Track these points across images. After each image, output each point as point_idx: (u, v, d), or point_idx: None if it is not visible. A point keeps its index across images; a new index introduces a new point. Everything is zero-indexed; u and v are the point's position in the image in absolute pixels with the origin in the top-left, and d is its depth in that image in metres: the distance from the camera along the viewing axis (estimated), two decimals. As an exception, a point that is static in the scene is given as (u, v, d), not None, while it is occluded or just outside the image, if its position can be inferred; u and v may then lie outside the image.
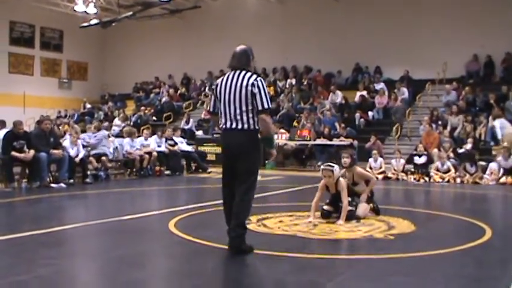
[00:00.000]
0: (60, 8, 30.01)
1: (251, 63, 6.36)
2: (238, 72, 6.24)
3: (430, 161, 16.94)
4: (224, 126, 6.24)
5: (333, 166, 8.41)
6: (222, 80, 6.34)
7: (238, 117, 6.13)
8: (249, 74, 6.21)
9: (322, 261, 6.02)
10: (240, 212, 6.10)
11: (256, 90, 6.08)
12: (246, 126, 6.12)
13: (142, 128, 22.22)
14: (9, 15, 31.23)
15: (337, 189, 8.40)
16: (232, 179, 6.22)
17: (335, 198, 8.52)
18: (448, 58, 23.20)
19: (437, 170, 16.43)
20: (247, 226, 6.40)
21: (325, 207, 8.53)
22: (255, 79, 6.14)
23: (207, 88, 28.92)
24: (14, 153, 12.89)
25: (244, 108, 6.11)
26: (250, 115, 6.12)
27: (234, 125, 6.15)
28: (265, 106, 6.11)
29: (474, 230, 7.81)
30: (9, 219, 9.46)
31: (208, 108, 6.61)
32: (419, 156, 17.02)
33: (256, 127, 6.15)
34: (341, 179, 8.49)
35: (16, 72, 32.08)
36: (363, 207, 8.71)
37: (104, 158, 15.58)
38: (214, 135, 20.97)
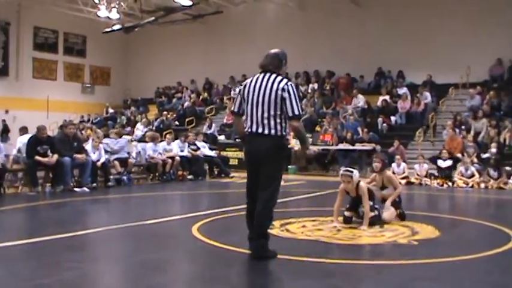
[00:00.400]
0: (83, 13, 30.24)
1: (283, 67, 6.23)
2: (268, 74, 6.09)
3: (456, 164, 16.75)
4: (250, 130, 6.08)
5: (352, 171, 8.36)
6: (251, 81, 6.17)
7: (265, 121, 5.98)
8: (279, 77, 6.05)
9: (345, 266, 5.98)
10: (262, 221, 6.04)
11: (286, 95, 5.93)
12: (273, 131, 5.98)
13: (164, 132, 22.32)
14: (33, 21, 31.63)
15: (358, 193, 8.34)
16: (257, 184, 6.09)
17: (355, 203, 8.47)
18: (472, 62, 22.97)
19: (461, 175, 16.27)
20: (270, 231, 6.37)
21: (346, 213, 8.50)
22: (286, 83, 5.98)
23: (232, 92, 28.84)
24: (37, 157, 13.03)
25: (272, 113, 5.96)
26: (278, 120, 5.97)
27: (260, 130, 6.00)
28: (296, 112, 5.95)
29: (499, 236, 7.72)
30: (34, 223, 9.56)
31: (232, 108, 6.44)
32: (444, 160, 16.86)
33: (283, 133, 6.03)
34: (361, 183, 8.41)
35: (40, 77, 32.39)
36: (389, 212, 8.67)
37: (130, 160, 15.75)
38: (237, 140, 20.96)
